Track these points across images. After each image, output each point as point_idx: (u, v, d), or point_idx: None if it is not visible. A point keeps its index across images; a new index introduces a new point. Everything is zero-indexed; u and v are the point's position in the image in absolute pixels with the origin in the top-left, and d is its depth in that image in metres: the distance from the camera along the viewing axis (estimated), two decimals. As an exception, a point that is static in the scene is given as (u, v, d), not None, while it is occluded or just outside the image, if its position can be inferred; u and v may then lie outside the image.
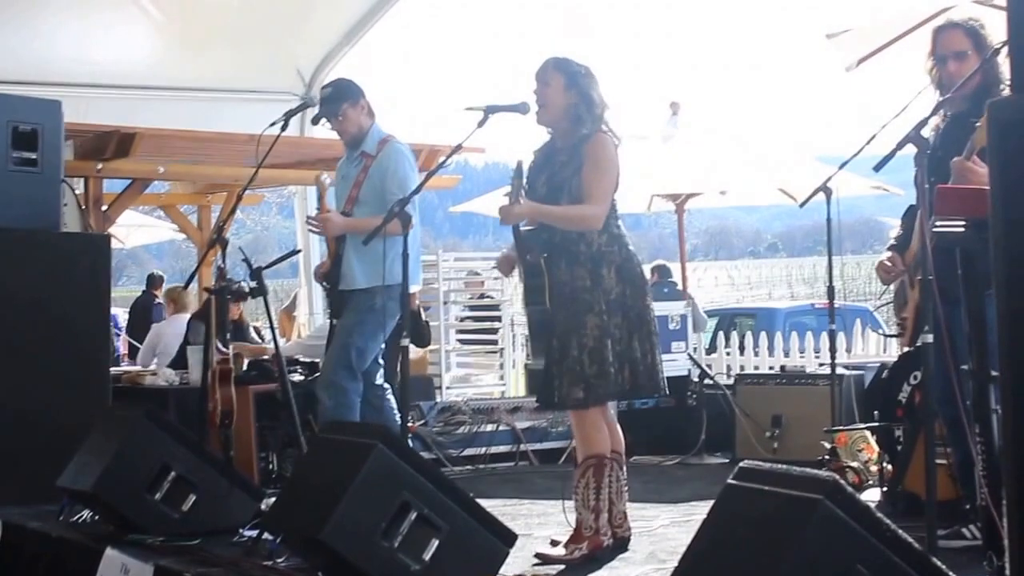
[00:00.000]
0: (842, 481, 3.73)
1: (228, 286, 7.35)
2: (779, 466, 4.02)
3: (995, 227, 2.90)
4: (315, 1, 14.16)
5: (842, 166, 7.77)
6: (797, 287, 53.45)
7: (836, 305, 8.42)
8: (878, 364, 9.57)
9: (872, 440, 8.28)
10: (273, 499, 6.67)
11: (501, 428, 10.18)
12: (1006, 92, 4.65)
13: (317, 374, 9.53)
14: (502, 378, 13.66)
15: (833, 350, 8.40)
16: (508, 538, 5.50)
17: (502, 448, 10.18)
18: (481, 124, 6.44)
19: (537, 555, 6.45)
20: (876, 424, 7.97)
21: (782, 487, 3.83)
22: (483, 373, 13.57)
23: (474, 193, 15.41)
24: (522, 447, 10.23)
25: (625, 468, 6.69)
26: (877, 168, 4.79)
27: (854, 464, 8.18)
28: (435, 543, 5.28)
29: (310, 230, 8.69)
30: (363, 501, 5.24)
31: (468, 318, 13.96)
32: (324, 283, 8.27)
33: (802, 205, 8.19)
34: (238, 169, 12.06)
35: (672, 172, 12.78)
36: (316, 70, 14.66)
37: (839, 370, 9.03)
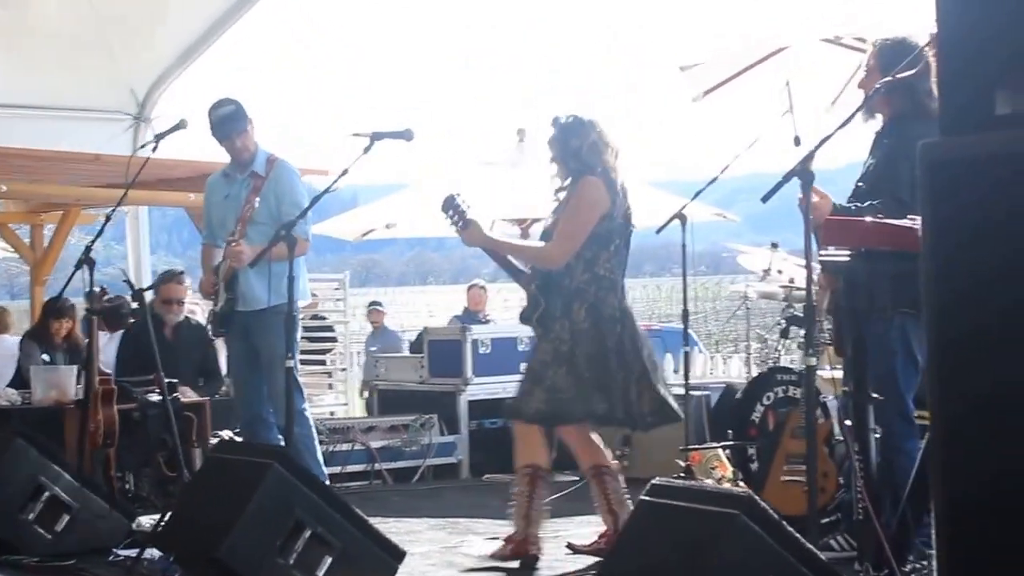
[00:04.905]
0: (756, 497, 3.94)
1: (117, 307, 7.37)
2: (691, 482, 4.22)
3: (926, 264, 3.10)
4: (150, 20, 14.04)
5: (696, 195, 8.11)
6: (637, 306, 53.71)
7: (659, 327, 8.70)
8: (722, 385, 9.85)
9: (725, 458, 8.53)
10: (144, 519, 6.71)
11: (356, 447, 10.25)
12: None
13: (176, 394, 9.53)
14: (342, 396, 13.74)
15: (687, 369, 8.63)
16: (397, 554, 5.68)
17: (357, 467, 10.25)
18: (367, 150, 6.54)
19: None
20: (731, 443, 8.24)
21: (698, 503, 4.03)
22: (321, 393, 13.64)
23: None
24: (377, 466, 10.31)
25: (621, 479, 6.68)
26: (764, 199, 4.99)
27: (708, 482, 8.41)
28: (328, 560, 5.43)
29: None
30: (259, 520, 5.35)
31: (304, 338, 13.99)
32: (215, 303, 8.07)
33: (659, 231, 8.43)
34: (79, 189, 11.99)
35: (517, 197, 12.94)
36: (150, 89, 14.55)
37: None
